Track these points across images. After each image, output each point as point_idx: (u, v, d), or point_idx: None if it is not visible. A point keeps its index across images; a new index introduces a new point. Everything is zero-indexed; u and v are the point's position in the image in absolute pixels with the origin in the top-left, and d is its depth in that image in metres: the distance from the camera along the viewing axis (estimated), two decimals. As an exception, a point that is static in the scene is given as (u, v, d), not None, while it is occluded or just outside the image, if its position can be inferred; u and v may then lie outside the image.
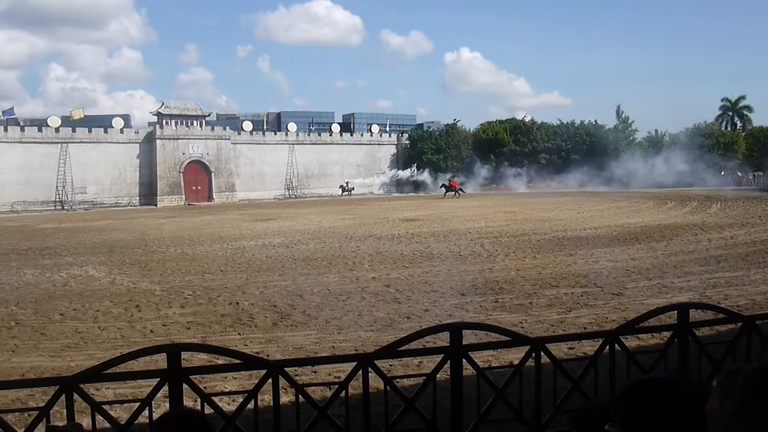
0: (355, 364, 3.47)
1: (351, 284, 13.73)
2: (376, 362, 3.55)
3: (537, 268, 15.03)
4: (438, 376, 3.84)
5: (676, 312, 4.23)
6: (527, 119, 79.94)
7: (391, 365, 7.48)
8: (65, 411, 3.41)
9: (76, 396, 3.12)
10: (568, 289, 12.45)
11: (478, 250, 18.49)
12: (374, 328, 9.90)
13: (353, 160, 72.30)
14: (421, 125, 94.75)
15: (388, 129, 79.95)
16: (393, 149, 75.80)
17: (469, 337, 3.79)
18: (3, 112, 61.45)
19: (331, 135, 73.41)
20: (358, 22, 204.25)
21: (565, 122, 76.95)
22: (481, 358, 3.93)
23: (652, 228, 23.26)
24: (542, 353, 3.89)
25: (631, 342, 4.30)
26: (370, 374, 3.52)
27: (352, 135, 75.42)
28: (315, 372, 7.43)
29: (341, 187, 65.11)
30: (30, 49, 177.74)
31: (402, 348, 3.57)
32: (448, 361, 3.72)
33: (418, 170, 69.97)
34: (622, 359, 4.13)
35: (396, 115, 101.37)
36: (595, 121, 76.27)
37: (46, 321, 11.20)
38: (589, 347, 6.81)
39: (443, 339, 8.01)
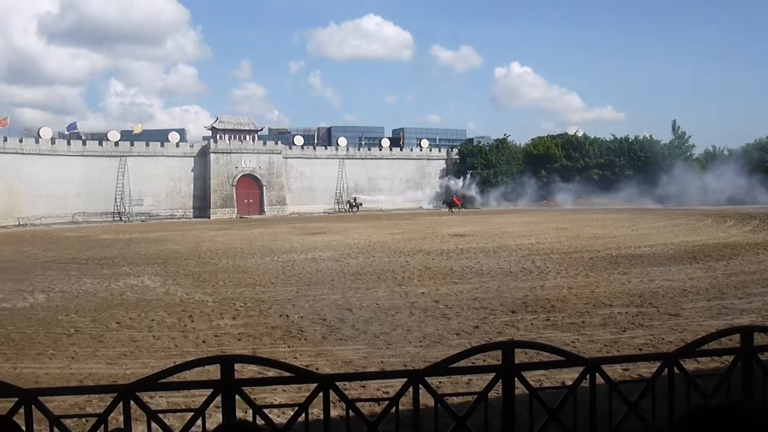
0: (405, 380, 3.44)
1: (400, 299, 13.70)
2: (427, 379, 3.53)
3: (590, 287, 14.72)
4: (489, 394, 3.79)
5: (738, 335, 4.07)
6: (579, 134, 78.82)
7: (440, 382, 7.41)
8: (122, 418, 3.50)
9: (132, 403, 3.20)
10: (623, 309, 12.14)
11: (529, 267, 18.24)
12: (423, 344, 9.84)
13: (402, 175, 72.48)
14: (471, 140, 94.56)
15: (437, 143, 79.86)
16: (442, 164, 75.70)
17: (519, 355, 3.72)
18: (67, 126, 63.95)
19: (380, 149, 73.82)
20: (408, 38, 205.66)
21: (618, 137, 75.46)
22: (532, 377, 3.86)
23: (711, 247, 22.53)
24: (597, 374, 3.79)
25: (689, 365, 4.15)
26: (420, 391, 3.49)
27: (401, 149, 75.69)
28: (364, 387, 7.42)
29: (348, 202, 64.80)
30: (91, 66, 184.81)
31: (453, 365, 3.53)
32: (500, 380, 3.66)
33: (468, 180, 69.58)
34: (681, 382, 3.99)
35: (445, 130, 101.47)
36: (650, 136, 74.64)
37: (103, 329, 11.52)
38: (645, 369, 6.62)
39: (493, 356, 7.94)
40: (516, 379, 3.66)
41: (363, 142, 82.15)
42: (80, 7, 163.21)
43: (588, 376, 3.80)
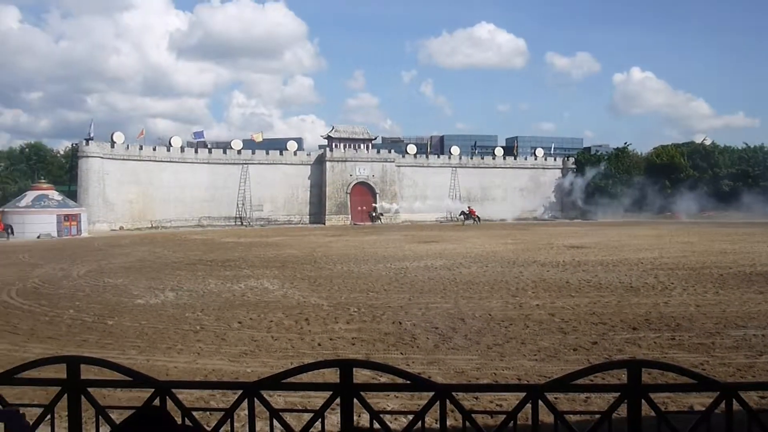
0: (524, 394, 3.34)
1: (514, 311, 13.42)
2: (546, 394, 3.41)
3: (720, 305, 13.74)
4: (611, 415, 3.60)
5: None
6: (707, 142, 74.16)
7: (556, 398, 7.17)
8: (244, 413, 3.64)
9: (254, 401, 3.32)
10: (758, 331, 11.23)
11: (652, 282, 17.31)
12: (538, 358, 9.57)
13: (516, 184, 71.26)
14: (588, 149, 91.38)
15: (552, 152, 77.83)
16: (558, 173, 73.66)
17: (643, 375, 3.51)
18: (194, 134, 68.03)
19: (494, 158, 73.00)
20: (522, 45, 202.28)
21: (752, 146, 70.20)
22: (656, 398, 3.64)
23: None
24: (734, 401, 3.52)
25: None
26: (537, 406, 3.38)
27: (515, 158, 74.40)
28: (476, 398, 7.30)
29: (370, 213, 63.33)
30: (216, 79, 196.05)
31: (574, 382, 3.40)
32: (625, 401, 3.47)
33: (583, 181, 67.27)
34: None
35: (561, 138, 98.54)
36: (791, 144, 68.88)
37: (226, 328, 12.10)
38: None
39: (612, 375, 7.58)
40: (643, 400, 3.46)
41: (476, 151, 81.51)
42: (207, 25, 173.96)
43: (724, 402, 3.54)
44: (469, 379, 8.46)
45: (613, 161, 70.80)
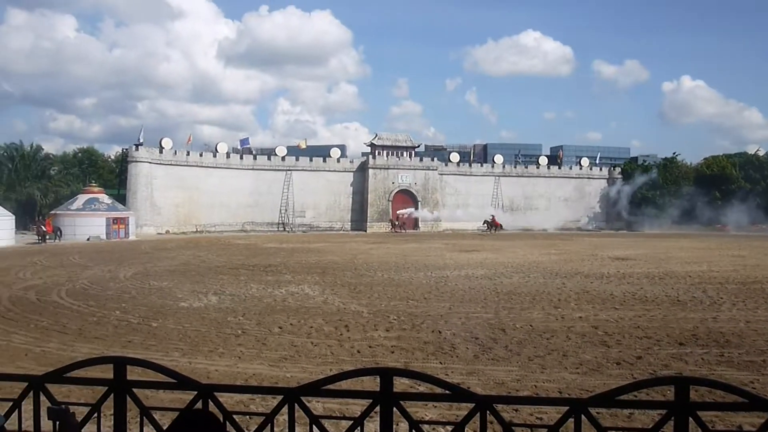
0: (567, 408, 3.28)
1: (556, 322, 13.22)
2: (590, 409, 3.34)
3: (772, 322, 13.28)
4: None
5: None
6: (761, 153, 71.94)
7: (598, 413, 7.02)
8: (283, 419, 3.67)
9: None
10: (813, 349, 10.81)
11: (700, 297, 16.84)
12: (580, 371, 9.39)
13: (561, 194, 70.32)
14: (635, 158, 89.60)
15: (598, 162, 76.55)
16: (603, 183, 72.44)
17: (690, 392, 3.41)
18: (240, 141, 69.11)
19: (538, 167, 72.19)
20: (569, 53, 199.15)
21: (811, 156, 67.85)
22: (704, 417, 3.52)
23: None
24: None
25: None
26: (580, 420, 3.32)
27: (560, 168, 73.44)
28: (516, 410, 7.21)
29: (392, 221, 61.74)
30: (262, 86, 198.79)
31: (620, 397, 3.32)
32: (671, 418, 3.38)
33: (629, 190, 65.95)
34: None
35: (607, 148, 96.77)
36: None
37: (267, 332, 12.22)
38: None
39: (657, 391, 7.38)
40: (690, 418, 3.37)
41: (520, 160, 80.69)
42: (254, 33, 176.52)
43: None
44: (509, 390, 8.36)
45: (662, 171, 69.25)
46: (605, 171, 74.15)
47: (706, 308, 15.04)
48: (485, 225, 58.61)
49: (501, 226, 58.68)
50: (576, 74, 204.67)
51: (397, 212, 63.97)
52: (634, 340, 11.44)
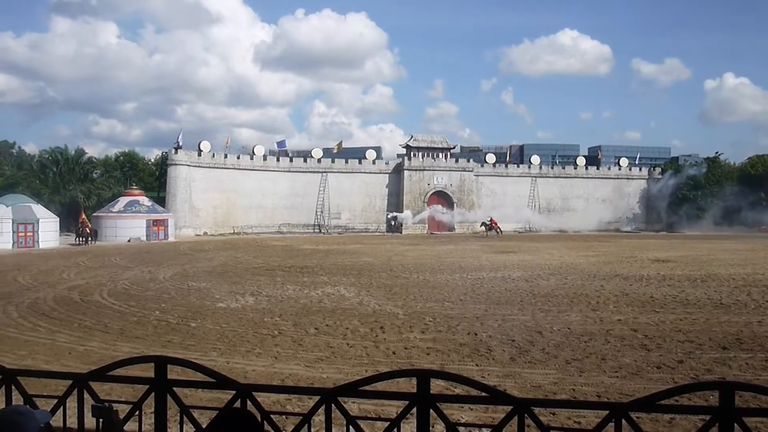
0: (606, 412, 3.23)
1: (594, 325, 13.03)
2: (631, 414, 3.28)
3: (821, 326, 12.87)
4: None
5: None
6: (809, 152, 69.63)
7: (638, 417, 6.89)
8: (319, 419, 3.68)
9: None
10: None
11: (744, 300, 16.41)
12: (619, 375, 9.24)
13: (599, 195, 69.24)
14: (675, 158, 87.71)
15: (637, 162, 75.16)
16: (643, 184, 71.09)
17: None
18: (277, 143, 69.78)
19: (575, 168, 71.19)
20: (607, 51, 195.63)
21: None
22: (749, 422, 3.40)
23: None
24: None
25: None
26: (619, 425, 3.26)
27: (598, 168, 72.30)
28: (554, 414, 7.12)
29: (483, 224, 58.20)
30: (298, 89, 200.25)
31: (661, 402, 3.25)
32: (716, 424, 3.30)
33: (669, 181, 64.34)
34: None
35: (647, 148, 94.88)
36: None
37: (303, 333, 12.31)
38: None
39: (699, 396, 7.22)
40: (736, 424, 3.28)
41: (557, 161, 79.69)
42: (290, 36, 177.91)
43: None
44: (546, 394, 8.27)
45: (704, 171, 67.65)
46: (645, 171, 72.75)
47: (750, 312, 14.65)
48: (483, 227, 56.46)
49: (500, 228, 56.62)
50: (614, 73, 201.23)
51: (393, 215, 62.77)
52: (675, 344, 11.21)
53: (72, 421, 3.99)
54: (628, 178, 71.23)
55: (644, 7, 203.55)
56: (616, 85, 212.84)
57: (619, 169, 71.99)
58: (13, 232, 39.71)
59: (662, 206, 66.53)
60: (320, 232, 61.27)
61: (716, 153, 72.88)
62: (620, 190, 70.21)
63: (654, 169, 73.23)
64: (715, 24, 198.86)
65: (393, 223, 61.13)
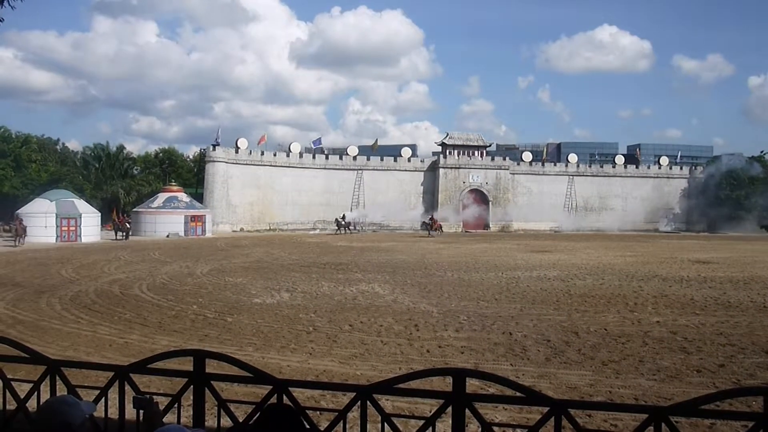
0: (646, 416, 3.18)
1: (631, 326, 12.81)
2: (671, 417, 3.23)
3: None
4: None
5: None
6: None
7: (677, 422, 6.76)
8: (352, 415, 3.70)
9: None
10: None
11: (789, 303, 15.95)
12: (657, 378, 9.06)
13: (638, 194, 68.03)
14: (718, 157, 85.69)
15: (678, 161, 73.60)
16: (684, 183, 69.61)
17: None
18: (313, 141, 70.28)
19: (614, 167, 70.08)
20: (647, 47, 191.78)
21: None
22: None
23: None
24: None
25: None
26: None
27: (637, 167, 71.03)
28: (590, 416, 7.02)
29: (336, 221, 55.07)
30: (334, 87, 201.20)
31: (703, 407, 3.19)
32: (760, 430, 3.22)
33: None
34: None
35: (688, 146, 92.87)
36: None
37: (337, 330, 12.37)
38: None
39: (741, 402, 7.04)
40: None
41: (595, 159, 78.47)
42: (326, 34, 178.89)
43: None
44: (582, 395, 8.16)
45: (747, 171, 65.86)
46: (686, 170, 71.23)
47: (795, 315, 14.24)
48: (423, 226, 53.30)
49: (441, 227, 54.13)
50: (655, 70, 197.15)
51: (342, 214, 57.32)
52: (716, 347, 10.95)
53: (113, 412, 4.09)
54: (668, 177, 69.86)
55: (686, 1, 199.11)
56: (656, 82, 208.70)
57: (659, 167, 70.64)
58: (57, 226, 40.73)
59: (703, 206, 65.07)
60: (355, 229, 59.61)
61: (761, 152, 71.03)
62: (660, 189, 68.89)
63: (695, 168, 71.67)
64: (758, 18, 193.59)
65: (425, 223, 56.94)
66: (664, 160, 71.24)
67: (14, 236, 36.27)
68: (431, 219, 54.11)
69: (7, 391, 4.39)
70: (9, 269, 23.15)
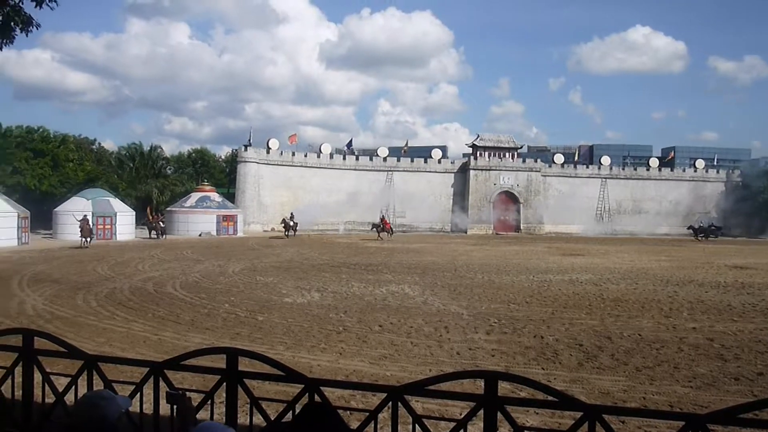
0: (682, 424, 3.11)
1: (666, 332, 12.58)
2: (708, 426, 3.15)
3: None
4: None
5: None
6: None
7: (714, 431, 6.61)
8: (381, 416, 3.70)
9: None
10: None
11: (831, 310, 15.51)
12: (693, 385, 8.88)
13: (672, 198, 66.82)
14: (756, 160, 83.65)
15: (715, 164, 72.13)
16: (721, 187, 68.17)
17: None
18: (346, 144, 70.65)
19: (648, 170, 68.95)
20: (682, 48, 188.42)
21: None
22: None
23: None
24: None
25: None
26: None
27: (672, 170, 69.80)
28: (623, 422, 6.92)
29: (283, 221, 49.80)
30: (363, 88, 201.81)
31: (742, 416, 3.11)
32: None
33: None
34: None
35: (724, 149, 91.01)
36: None
37: (367, 330, 12.39)
38: None
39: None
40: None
41: (628, 162, 77.33)
42: (355, 35, 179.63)
43: None
44: (615, 401, 8.04)
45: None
46: (723, 174, 69.75)
47: (837, 323, 13.83)
48: (374, 229, 49.02)
49: (392, 228, 51.01)
50: (689, 71, 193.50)
51: (291, 213, 52.18)
52: (754, 355, 10.70)
53: (147, 407, 4.15)
54: (704, 181, 68.50)
55: (721, 1, 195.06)
56: (691, 84, 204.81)
57: (695, 170, 69.33)
58: (93, 224, 41.52)
59: (741, 210, 63.63)
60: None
61: (801, 155, 69.19)
62: (695, 192, 67.55)
63: (733, 172, 70.15)
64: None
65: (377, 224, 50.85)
66: (700, 163, 69.90)
67: (81, 236, 34.99)
68: (381, 220, 50.46)
69: (46, 384, 4.49)
70: (47, 266, 23.71)
